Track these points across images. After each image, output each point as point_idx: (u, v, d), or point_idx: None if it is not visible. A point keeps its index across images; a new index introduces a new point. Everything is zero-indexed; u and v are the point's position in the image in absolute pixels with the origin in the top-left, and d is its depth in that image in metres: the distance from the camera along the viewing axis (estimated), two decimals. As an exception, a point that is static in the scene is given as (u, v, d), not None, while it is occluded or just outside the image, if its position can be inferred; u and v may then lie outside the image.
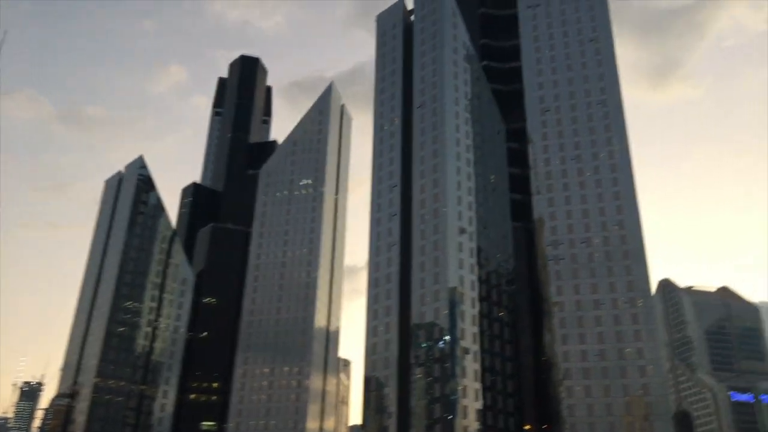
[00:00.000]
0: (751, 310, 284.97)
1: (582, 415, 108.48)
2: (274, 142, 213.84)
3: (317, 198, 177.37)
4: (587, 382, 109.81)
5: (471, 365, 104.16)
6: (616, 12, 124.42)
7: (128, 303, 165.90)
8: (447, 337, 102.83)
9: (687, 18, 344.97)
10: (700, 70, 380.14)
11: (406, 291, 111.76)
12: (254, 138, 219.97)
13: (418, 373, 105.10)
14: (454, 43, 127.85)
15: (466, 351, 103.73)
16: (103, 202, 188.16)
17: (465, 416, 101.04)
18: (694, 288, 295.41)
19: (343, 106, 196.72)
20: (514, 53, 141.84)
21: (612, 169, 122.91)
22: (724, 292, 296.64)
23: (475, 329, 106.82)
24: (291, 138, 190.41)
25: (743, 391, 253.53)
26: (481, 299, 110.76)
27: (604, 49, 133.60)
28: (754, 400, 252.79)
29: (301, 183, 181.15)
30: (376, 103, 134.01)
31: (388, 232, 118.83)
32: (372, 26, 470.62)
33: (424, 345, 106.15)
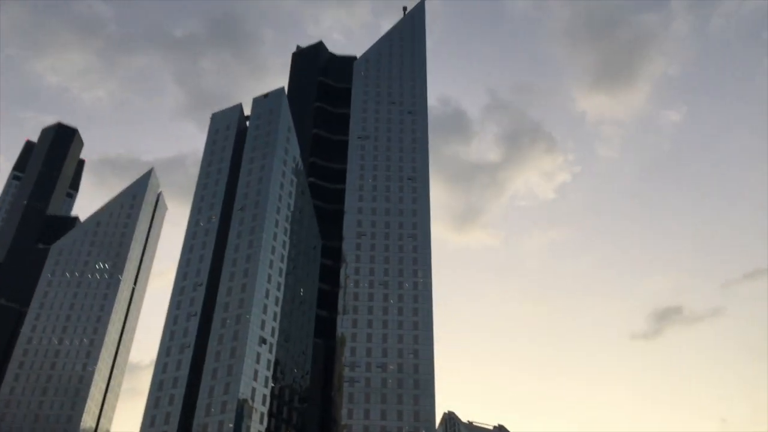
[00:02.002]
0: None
1: None
2: (75, 219, 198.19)
3: (112, 285, 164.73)
4: None
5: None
6: (433, 156, 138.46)
7: None
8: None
9: (490, 175, 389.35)
10: (496, 223, 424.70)
11: (192, 399, 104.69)
12: (54, 210, 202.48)
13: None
14: (284, 156, 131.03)
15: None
16: None
17: None
18: (474, 423, 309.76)
19: (160, 195, 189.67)
20: (340, 176, 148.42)
21: (414, 299, 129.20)
22: (500, 430, 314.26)
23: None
24: (95, 217, 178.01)
25: None
26: (271, 415, 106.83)
27: (420, 188, 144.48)
28: None
29: (96, 266, 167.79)
30: (195, 197, 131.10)
31: (183, 332, 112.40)
32: (200, 119, 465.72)
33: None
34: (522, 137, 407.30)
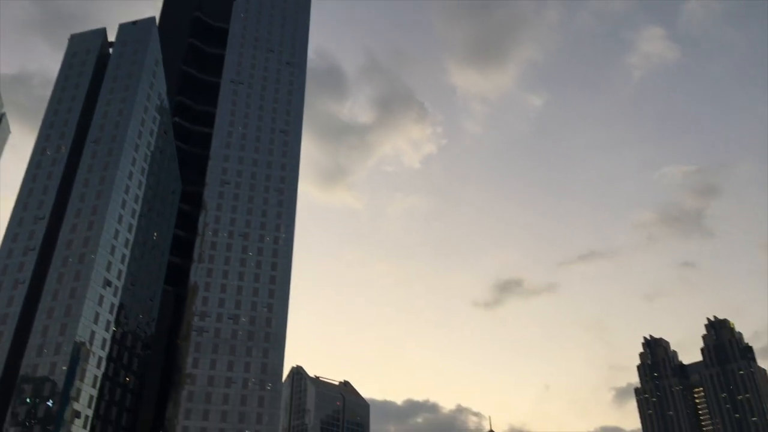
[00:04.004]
0: (363, 405, 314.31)
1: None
2: None
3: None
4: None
5: (79, 431, 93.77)
6: (306, 111, 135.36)
7: None
8: (57, 396, 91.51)
9: (360, 136, 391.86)
10: (361, 185, 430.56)
11: (23, 338, 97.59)
12: None
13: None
14: (149, 90, 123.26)
15: (76, 414, 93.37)
16: None
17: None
18: (320, 378, 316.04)
19: (2, 115, 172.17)
20: (208, 119, 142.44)
21: (274, 253, 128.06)
22: (345, 386, 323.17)
23: (94, 392, 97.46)
24: None
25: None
26: (109, 360, 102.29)
27: (292, 142, 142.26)
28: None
29: None
30: (44, 123, 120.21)
31: (18, 267, 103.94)
32: (53, 37, 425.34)
33: (29, 401, 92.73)
34: (394, 103, 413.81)
